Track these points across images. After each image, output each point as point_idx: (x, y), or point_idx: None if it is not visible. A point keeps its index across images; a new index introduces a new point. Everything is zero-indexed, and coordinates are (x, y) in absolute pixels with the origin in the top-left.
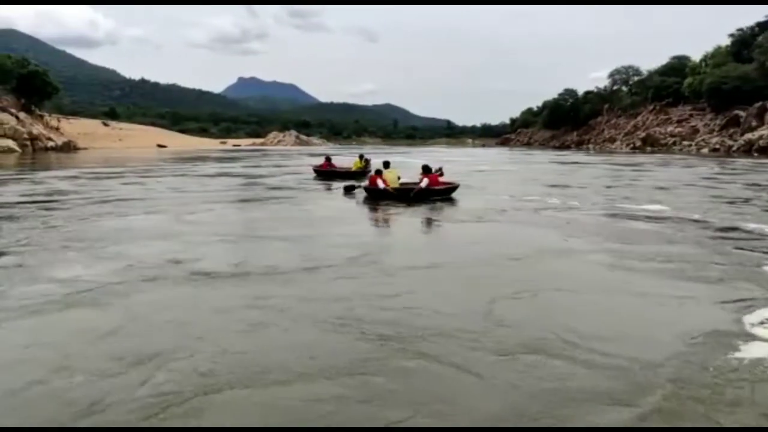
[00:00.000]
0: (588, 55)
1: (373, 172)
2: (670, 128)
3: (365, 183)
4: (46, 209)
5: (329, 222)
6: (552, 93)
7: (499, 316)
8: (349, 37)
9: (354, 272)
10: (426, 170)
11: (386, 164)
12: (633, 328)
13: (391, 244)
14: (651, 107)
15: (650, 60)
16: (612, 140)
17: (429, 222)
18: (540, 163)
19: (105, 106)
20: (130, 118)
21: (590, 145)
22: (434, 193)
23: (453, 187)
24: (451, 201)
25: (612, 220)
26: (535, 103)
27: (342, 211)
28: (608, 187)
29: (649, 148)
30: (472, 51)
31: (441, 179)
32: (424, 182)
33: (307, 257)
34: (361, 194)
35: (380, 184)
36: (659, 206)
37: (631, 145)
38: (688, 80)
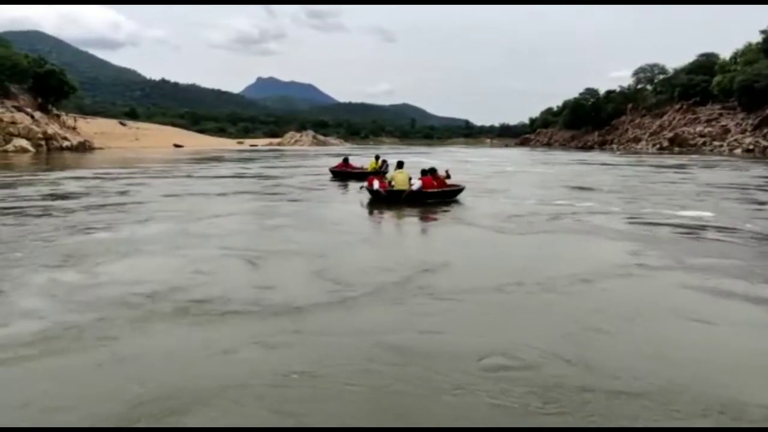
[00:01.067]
0: (607, 54)
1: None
2: (699, 128)
3: (365, 183)
4: (41, 216)
5: (352, 232)
6: (571, 92)
7: (595, 359)
8: (366, 37)
9: (399, 298)
10: (425, 173)
11: (400, 164)
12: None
13: (428, 261)
14: (678, 106)
15: (673, 59)
16: (637, 140)
17: (462, 231)
18: (565, 164)
19: (126, 106)
20: (150, 118)
21: (614, 146)
22: (428, 195)
23: (454, 190)
24: (479, 206)
25: (664, 230)
26: (554, 103)
27: (363, 219)
28: (646, 190)
29: (677, 149)
30: (489, 51)
31: (447, 182)
32: (416, 185)
33: (337, 280)
34: (366, 195)
35: (375, 184)
36: (710, 213)
37: (658, 146)
38: (717, 78)
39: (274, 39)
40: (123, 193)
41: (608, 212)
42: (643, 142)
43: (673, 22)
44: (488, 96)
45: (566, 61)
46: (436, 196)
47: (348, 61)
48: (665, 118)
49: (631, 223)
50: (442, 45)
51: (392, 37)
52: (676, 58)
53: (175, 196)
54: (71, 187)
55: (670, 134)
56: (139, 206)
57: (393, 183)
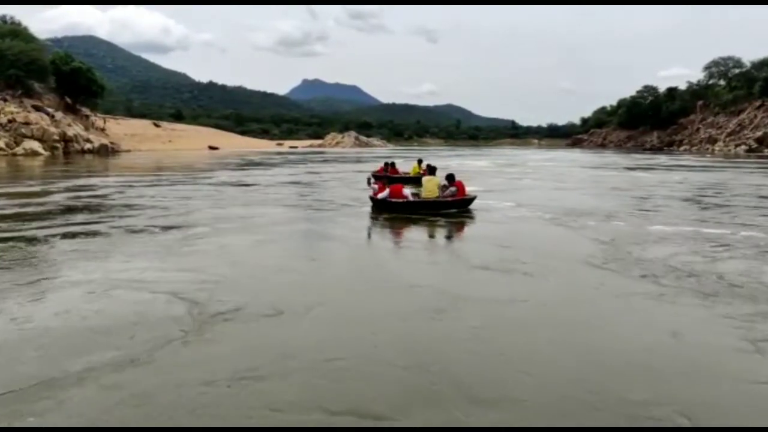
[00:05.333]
0: (656, 53)
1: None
2: None
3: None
4: None
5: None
6: (620, 91)
7: None
8: (409, 37)
9: None
10: (390, 180)
11: (431, 170)
12: None
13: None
14: (758, 103)
15: (739, 53)
16: (712, 141)
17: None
18: (665, 170)
19: (174, 108)
20: (196, 120)
21: (684, 147)
22: (394, 206)
23: (447, 202)
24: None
25: None
26: (603, 103)
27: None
28: None
29: (766, 150)
30: (534, 50)
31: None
32: (384, 193)
33: None
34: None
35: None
36: None
37: (744, 147)
38: None
39: (317, 41)
40: (113, 212)
41: None
42: (720, 143)
43: (721, 22)
44: (534, 96)
45: (614, 60)
46: (415, 207)
47: (391, 62)
48: (744, 116)
49: None
50: (486, 45)
51: (436, 37)
52: (740, 54)
53: (179, 218)
54: (62, 198)
55: (757, 134)
56: (121, 238)
57: (422, 190)
